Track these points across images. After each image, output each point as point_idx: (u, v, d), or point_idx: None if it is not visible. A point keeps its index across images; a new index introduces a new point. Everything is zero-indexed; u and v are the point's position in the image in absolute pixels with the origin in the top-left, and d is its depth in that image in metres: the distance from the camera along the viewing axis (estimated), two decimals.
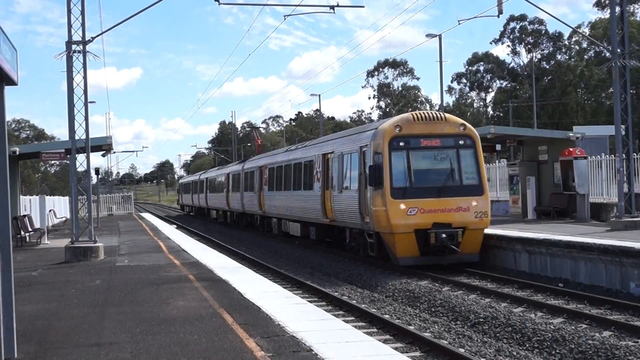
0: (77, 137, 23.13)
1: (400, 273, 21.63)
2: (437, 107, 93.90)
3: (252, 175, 43.12)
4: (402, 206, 21.24)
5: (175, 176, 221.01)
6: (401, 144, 22.15)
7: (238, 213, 50.99)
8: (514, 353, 11.78)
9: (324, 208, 27.86)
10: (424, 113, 23.15)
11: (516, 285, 18.61)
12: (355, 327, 12.27)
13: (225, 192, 53.19)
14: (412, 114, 23.22)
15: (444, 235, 20.90)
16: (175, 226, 49.00)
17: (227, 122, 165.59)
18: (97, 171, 48.64)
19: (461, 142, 22.55)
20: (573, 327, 13.14)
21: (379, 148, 22.12)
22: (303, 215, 32.02)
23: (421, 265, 21.55)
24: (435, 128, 22.52)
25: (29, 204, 40.09)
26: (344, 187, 25.45)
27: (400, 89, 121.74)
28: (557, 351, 11.80)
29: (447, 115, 23.99)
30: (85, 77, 23.13)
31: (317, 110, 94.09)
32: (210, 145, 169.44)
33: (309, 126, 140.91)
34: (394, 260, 22.00)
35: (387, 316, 15.30)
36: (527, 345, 12.41)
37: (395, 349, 10.71)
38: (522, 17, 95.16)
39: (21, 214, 32.75)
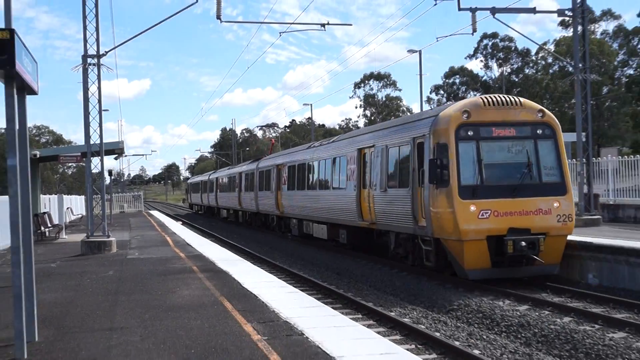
0: (92, 142, 23.13)
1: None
2: None
3: (268, 174, 37.51)
4: (473, 208, 16.37)
5: (181, 177, 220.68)
6: (470, 133, 17.14)
7: (251, 213, 44.97)
8: None
9: (359, 209, 22.74)
10: (496, 97, 17.71)
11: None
12: None
13: (237, 192, 47.57)
14: (481, 98, 17.94)
15: (523, 243, 16.09)
16: (181, 223, 48.92)
17: (227, 129, 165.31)
18: (110, 173, 48.45)
19: (539, 131, 17.66)
20: None
21: (442, 138, 17.06)
22: (331, 217, 26.36)
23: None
24: (509, 114, 17.48)
25: (48, 202, 39.90)
26: (388, 186, 20.32)
27: (384, 99, 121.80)
28: None
29: (523, 99, 18.41)
30: (99, 88, 23.13)
31: (309, 118, 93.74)
32: (212, 149, 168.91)
33: (302, 133, 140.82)
34: (459, 273, 16.85)
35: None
36: None
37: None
38: (494, 35, 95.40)
39: (41, 212, 32.65)
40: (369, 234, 23.29)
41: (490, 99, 17.48)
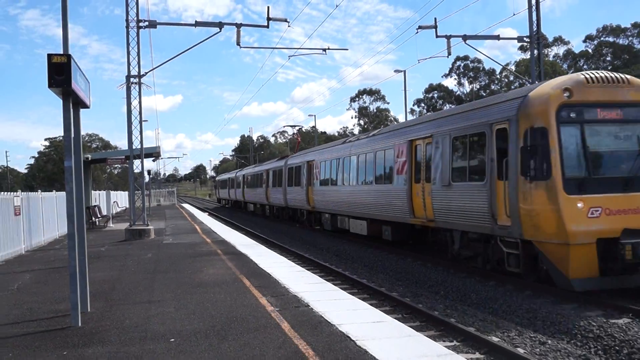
0: (134, 147, 23.22)
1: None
2: None
3: (298, 170, 32.17)
4: (580, 205, 11.58)
5: (207, 176, 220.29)
6: (572, 115, 12.33)
7: (279, 207, 39.19)
8: None
9: (410, 205, 17.92)
10: (600, 74, 12.75)
11: None
12: None
13: (265, 187, 41.64)
14: (583, 74, 12.78)
15: None
16: (208, 214, 48.92)
17: (245, 136, 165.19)
18: (149, 172, 48.41)
19: None
20: None
21: (538, 121, 12.26)
22: (373, 212, 21.24)
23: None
24: (617, 94, 12.52)
25: (98, 197, 40.03)
26: (453, 180, 15.41)
27: (375, 110, 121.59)
28: None
29: (630, 77, 13.16)
30: (140, 102, 23.19)
31: (313, 126, 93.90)
32: (233, 152, 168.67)
33: (307, 138, 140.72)
34: (560, 282, 11.82)
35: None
36: None
37: None
38: (466, 57, 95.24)
39: (92, 205, 32.74)
40: (420, 231, 18.78)
41: (594, 76, 12.56)
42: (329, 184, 26.53)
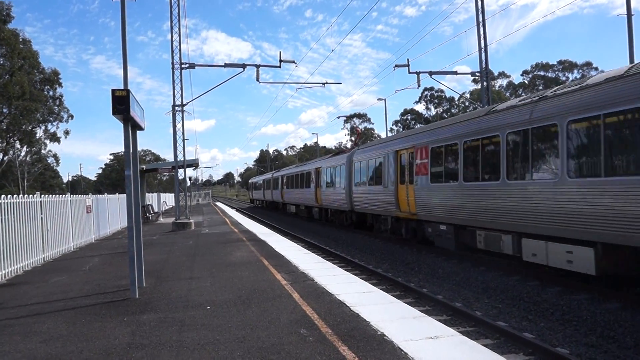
0: (178, 159, 23.21)
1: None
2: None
3: (378, 165, 19.16)
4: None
5: (235, 181, 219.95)
6: None
7: (337, 210, 25.84)
8: None
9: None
10: None
11: None
12: None
13: (315, 187, 29.32)
14: None
15: None
16: (235, 209, 48.81)
17: (264, 150, 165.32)
18: (189, 178, 48.51)
19: None
20: None
21: None
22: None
23: None
24: None
25: (151, 198, 39.94)
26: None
27: (363, 129, 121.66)
28: None
29: None
30: (182, 125, 23.20)
31: (315, 142, 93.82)
32: (254, 163, 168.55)
33: (311, 151, 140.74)
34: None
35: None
36: None
37: None
38: (431, 88, 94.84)
39: (146, 204, 32.70)
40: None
41: None
42: (467, 180, 12.78)
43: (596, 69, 69.77)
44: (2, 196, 10.72)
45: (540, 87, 74.36)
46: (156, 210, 35.23)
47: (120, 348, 5.56)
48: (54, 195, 14.52)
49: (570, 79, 70.96)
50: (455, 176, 13.13)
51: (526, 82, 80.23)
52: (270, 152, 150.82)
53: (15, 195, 11.38)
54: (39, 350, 5.62)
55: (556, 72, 76.37)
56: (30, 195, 12.39)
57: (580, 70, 71.31)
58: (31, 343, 5.89)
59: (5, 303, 8.17)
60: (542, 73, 77.66)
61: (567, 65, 73.16)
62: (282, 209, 44.19)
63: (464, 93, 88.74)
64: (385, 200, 17.91)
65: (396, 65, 24.26)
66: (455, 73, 26.29)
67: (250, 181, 78.85)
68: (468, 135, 12.60)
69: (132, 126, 8.53)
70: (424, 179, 14.86)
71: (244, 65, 22.93)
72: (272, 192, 47.54)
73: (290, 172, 38.69)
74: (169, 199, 55.98)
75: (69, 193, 16.25)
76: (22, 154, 58.35)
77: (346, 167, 23.43)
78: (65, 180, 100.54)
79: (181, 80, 22.62)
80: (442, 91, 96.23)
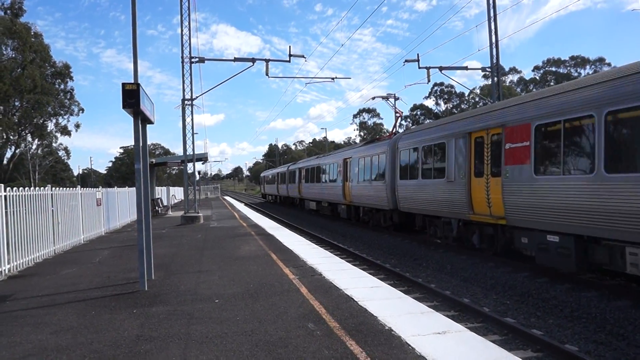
0: (188, 153, 23.30)
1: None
2: None
3: (438, 153, 14.65)
4: None
5: (244, 175, 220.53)
6: None
7: (372, 209, 21.41)
8: None
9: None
10: None
11: None
12: None
13: (342, 181, 24.80)
14: None
15: None
16: (244, 204, 48.93)
17: (273, 144, 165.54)
18: (199, 172, 48.63)
19: None
20: None
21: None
22: None
23: None
24: None
25: (160, 192, 40.22)
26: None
27: (372, 125, 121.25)
28: None
29: None
30: (192, 119, 23.38)
31: (324, 137, 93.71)
32: (263, 157, 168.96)
33: (320, 146, 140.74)
34: None
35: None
36: None
37: None
38: (441, 84, 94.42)
39: (156, 197, 32.89)
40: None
41: None
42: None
43: (609, 64, 68.99)
44: (14, 189, 10.83)
45: (552, 83, 73.71)
46: (165, 203, 35.43)
47: (129, 340, 5.61)
48: (64, 188, 14.65)
49: (582, 75, 70.26)
50: (587, 165, 8.96)
51: (537, 78, 79.57)
52: (279, 146, 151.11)
53: (26, 188, 11.49)
54: (49, 341, 5.68)
55: (568, 68, 75.66)
56: (42, 188, 12.50)
57: (593, 66, 70.51)
58: (42, 334, 5.95)
59: (17, 294, 8.26)
60: (553, 69, 76.96)
61: (579, 61, 72.37)
62: (300, 205, 39.15)
63: (474, 88, 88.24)
64: (450, 198, 13.66)
65: (406, 60, 24.10)
66: (466, 68, 26.11)
67: (262, 175, 72.44)
68: (621, 101, 8.20)
69: (142, 120, 8.55)
70: (521, 170, 10.55)
71: (253, 60, 22.92)
72: (287, 187, 42.80)
73: (311, 164, 33.54)
74: (178, 193, 56.27)
75: (79, 186, 16.37)
76: (34, 147, 58.96)
77: (388, 156, 18.80)
78: (75, 174, 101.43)
79: (191, 75, 22.70)
80: (452, 87, 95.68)
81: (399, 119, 24.74)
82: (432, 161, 15.11)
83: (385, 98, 23.95)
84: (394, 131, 22.34)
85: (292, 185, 40.34)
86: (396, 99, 24.25)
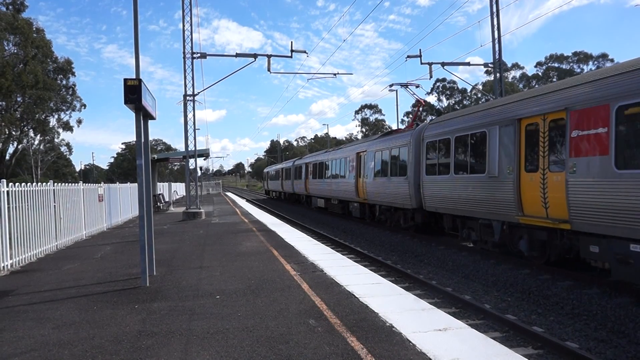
0: (189, 149, 23.28)
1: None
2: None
3: (476, 144, 12.51)
4: None
5: (245, 171, 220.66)
6: None
7: (391, 207, 19.04)
8: None
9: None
10: None
11: None
12: None
13: (355, 177, 22.41)
14: None
15: None
16: (246, 200, 48.94)
17: (274, 140, 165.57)
18: (200, 168, 48.66)
19: None
20: None
21: None
22: None
23: None
24: None
25: (162, 188, 40.24)
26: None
27: (374, 121, 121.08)
28: None
29: None
30: (194, 115, 23.22)
31: (326, 133, 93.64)
32: (265, 153, 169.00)
33: (322, 142, 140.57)
34: None
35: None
36: None
37: None
38: (444, 79, 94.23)
39: (157, 193, 32.92)
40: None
41: None
42: None
43: (612, 60, 68.70)
44: (17, 184, 10.85)
45: (555, 79, 73.56)
46: (167, 199, 35.45)
47: (130, 335, 5.63)
48: (66, 184, 14.67)
49: (585, 70, 70.01)
50: None
51: (540, 74, 79.40)
52: (281, 142, 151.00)
53: (28, 184, 11.51)
54: (51, 336, 5.70)
55: (571, 64, 75.41)
56: (44, 184, 12.53)
57: (596, 62, 70.24)
58: (44, 329, 5.98)
59: (19, 290, 8.29)
60: (556, 65, 76.74)
61: (582, 57, 72.12)
62: (306, 203, 36.79)
63: (476, 84, 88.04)
64: (491, 197, 11.73)
65: (408, 56, 24.04)
66: (468, 64, 26.04)
67: (265, 170, 69.01)
68: None
69: (143, 115, 8.55)
70: (596, 163, 8.66)
71: (255, 55, 22.88)
72: (292, 183, 40.47)
73: (319, 159, 31.26)
74: (179, 189, 56.29)
75: (81, 182, 16.39)
76: (36, 142, 59.04)
77: (411, 148, 16.62)
78: (77, 169, 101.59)
79: (192, 70, 22.70)
80: (454, 82, 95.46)
81: (421, 108, 23.01)
82: (468, 154, 13.00)
83: (405, 85, 21.91)
84: (414, 122, 20.51)
85: (298, 182, 38.07)
86: (417, 86, 22.10)
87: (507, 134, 11.16)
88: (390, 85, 23.08)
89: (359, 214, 23.06)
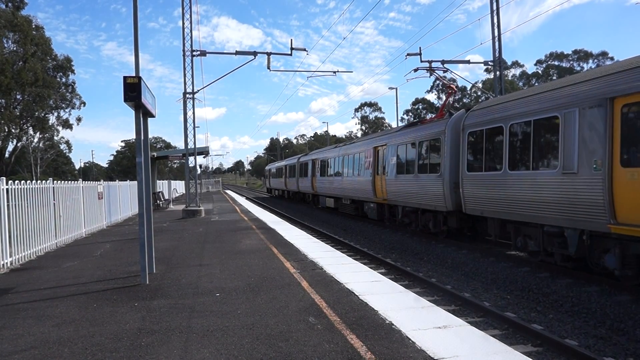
0: (189, 147, 23.27)
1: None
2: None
3: (542, 134, 9.97)
4: None
5: (245, 169, 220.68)
6: None
7: (417, 209, 16.52)
8: None
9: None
10: None
11: None
12: None
13: (372, 174, 20.03)
14: None
15: None
16: (245, 198, 48.92)
17: (274, 138, 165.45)
18: (200, 166, 48.64)
19: None
20: None
21: None
22: None
23: None
24: None
25: (161, 185, 40.25)
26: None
27: (373, 119, 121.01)
28: None
29: None
30: (193, 113, 23.20)
31: (326, 131, 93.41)
32: (264, 151, 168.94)
33: (321, 140, 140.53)
34: None
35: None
36: None
37: None
38: (443, 77, 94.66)
39: (157, 191, 32.91)
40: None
41: None
42: None
43: (612, 58, 68.68)
44: (16, 182, 10.84)
45: (554, 77, 73.50)
46: (167, 197, 35.46)
47: (130, 333, 5.63)
48: (66, 182, 14.66)
49: (585, 69, 69.95)
50: None
51: (540, 72, 79.35)
52: (281, 140, 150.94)
53: (28, 181, 11.51)
54: (51, 333, 5.71)
55: (571, 62, 75.36)
56: (43, 182, 12.52)
57: (596, 60, 70.20)
58: (44, 327, 5.98)
59: (19, 287, 8.29)
60: (556, 63, 76.69)
61: (582, 55, 72.08)
62: (313, 202, 34.14)
63: (476, 82, 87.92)
64: (566, 198, 9.30)
65: (408, 54, 24.08)
66: (468, 62, 26.10)
67: (267, 168, 64.37)
68: None
69: (143, 113, 8.54)
70: None
71: (255, 53, 22.86)
72: (297, 181, 37.68)
73: (328, 155, 28.56)
74: (179, 187, 56.30)
75: (80, 179, 16.38)
76: (35, 140, 59.01)
77: (447, 140, 14.14)
78: (77, 167, 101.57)
79: (192, 68, 22.71)
80: (454, 80, 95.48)
81: (453, 95, 19.34)
82: (529, 145, 10.41)
83: (431, 70, 19.17)
84: (444, 110, 17.25)
85: (303, 179, 35.18)
86: (445, 71, 19.64)
87: (592, 117, 8.66)
88: (415, 70, 19.69)
89: (375, 216, 20.54)
